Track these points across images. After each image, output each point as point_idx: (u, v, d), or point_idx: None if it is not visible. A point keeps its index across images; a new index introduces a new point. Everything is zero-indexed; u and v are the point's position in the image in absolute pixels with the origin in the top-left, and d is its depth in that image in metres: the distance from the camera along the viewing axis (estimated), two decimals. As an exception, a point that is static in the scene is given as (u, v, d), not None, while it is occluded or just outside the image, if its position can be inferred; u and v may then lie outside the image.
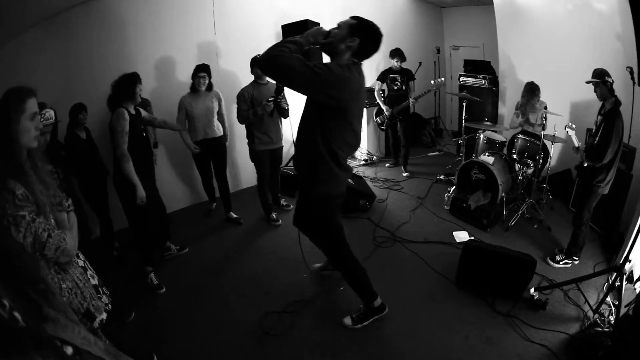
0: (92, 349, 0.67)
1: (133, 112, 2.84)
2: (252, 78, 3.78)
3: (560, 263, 3.16)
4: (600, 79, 2.83)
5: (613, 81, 2.84)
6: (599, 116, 2.97)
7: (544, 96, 4.22)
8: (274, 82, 3.66)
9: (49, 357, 0.52)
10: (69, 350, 0.61)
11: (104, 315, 1.90)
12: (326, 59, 2.12)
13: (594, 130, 3.02)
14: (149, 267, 3.16)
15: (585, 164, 2.98)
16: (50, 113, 2.55)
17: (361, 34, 1.98)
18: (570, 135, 3.17)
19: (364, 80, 2.11)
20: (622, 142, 2.86)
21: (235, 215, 4.31)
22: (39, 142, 1.61)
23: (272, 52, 1.81)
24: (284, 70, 1.81)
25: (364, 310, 2.60)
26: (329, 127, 2.05)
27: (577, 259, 3.16)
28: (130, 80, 2.80)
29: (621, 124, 2.78)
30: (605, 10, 3.93)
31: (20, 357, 0.48)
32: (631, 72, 3.57)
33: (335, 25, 2.04)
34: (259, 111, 3.56)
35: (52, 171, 2.50)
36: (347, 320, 2.58)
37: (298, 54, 1.88)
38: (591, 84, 2.91)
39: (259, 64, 2.06)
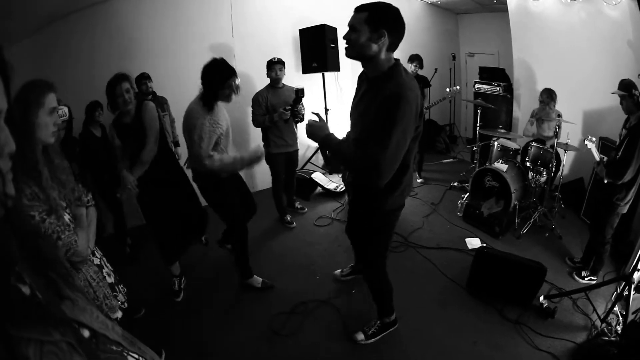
0: (109, 333, 0.67)
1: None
2: (268, 80, 3.78)
3: (586, 279, 3.08)
4: (627, 91, 2.71)
5: None
6: (624, 129, 2.86)
7: (557, 104, 4.22)
8: (291, 86, 3.77)
9: (67, 335, 0.53)
10: (86, 333, 0.61)
11: (119, 314, 1.92)
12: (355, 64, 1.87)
13: (617, 144, 2.90)
14: (174, 272, 3.05)
15: (605, 181, 2.84)
16: (64, 110, 2.55)
17: (383, 24, 1.64)
18: (590, 149, 3.06)
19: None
20: None
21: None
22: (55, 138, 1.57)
23: (366, 173, 1.73)
24: (384, 171, 1.69)
25: (379, 325, 2.55)
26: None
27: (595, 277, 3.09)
28: (112, 85, 2.50)
29: None
30: (617, 17, 3.95)
31: (40, 333, 0.49)
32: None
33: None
34: (275, 117, 3.60)
35: (69, 167, 2.55)
36: (360, 336, 2.52)
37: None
38: (617, 95, 2.80)
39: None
